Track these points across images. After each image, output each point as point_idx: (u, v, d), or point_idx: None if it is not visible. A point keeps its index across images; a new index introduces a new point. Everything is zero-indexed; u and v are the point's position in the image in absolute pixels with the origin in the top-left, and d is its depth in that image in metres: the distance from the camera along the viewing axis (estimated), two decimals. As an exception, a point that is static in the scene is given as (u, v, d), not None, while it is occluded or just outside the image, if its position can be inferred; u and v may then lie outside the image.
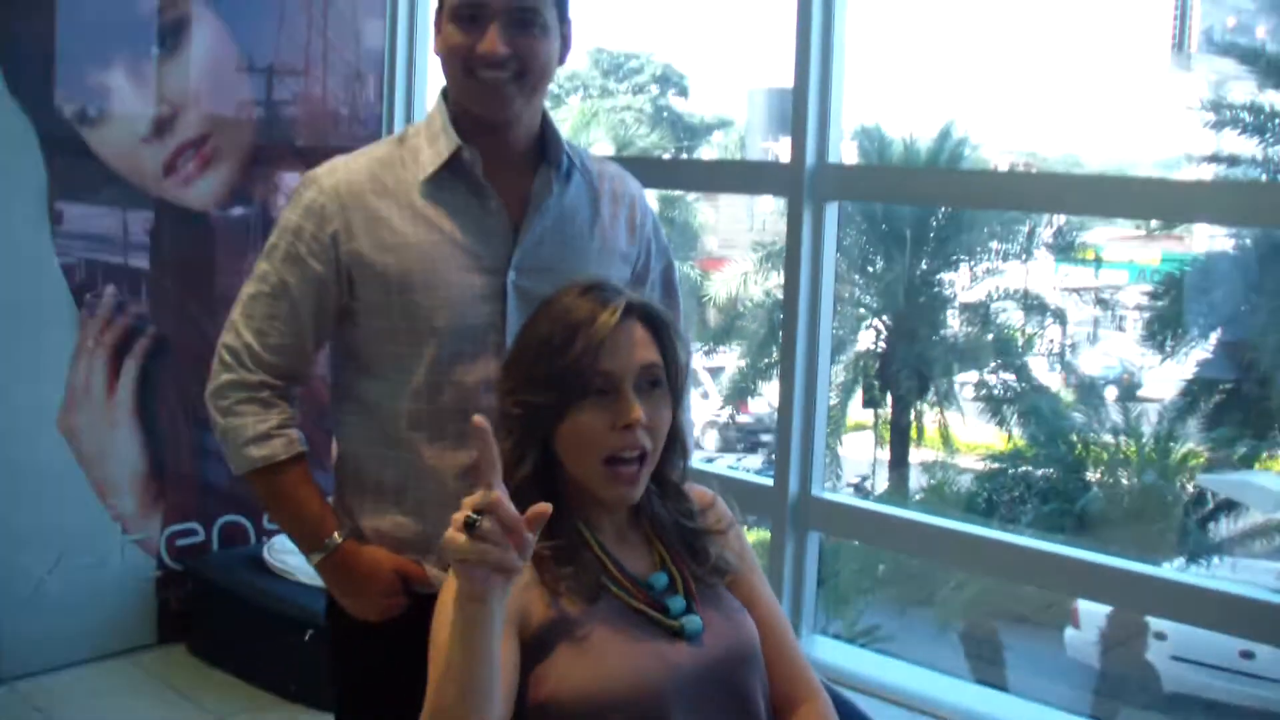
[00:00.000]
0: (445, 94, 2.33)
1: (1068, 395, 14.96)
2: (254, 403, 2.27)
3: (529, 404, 1.89)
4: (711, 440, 16.01)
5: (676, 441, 1.99)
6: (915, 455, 15.41)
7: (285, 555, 4.37)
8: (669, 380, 1.95)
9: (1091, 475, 13.21)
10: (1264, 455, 12.53)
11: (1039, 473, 13.62)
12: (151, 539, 4.50)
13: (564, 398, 1.87)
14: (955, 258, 15.44)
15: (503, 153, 2.28)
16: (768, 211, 17.52)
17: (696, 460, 2.16)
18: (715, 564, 1.98)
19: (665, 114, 23.85)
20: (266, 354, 2.26)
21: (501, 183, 2.27)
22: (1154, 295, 13.94)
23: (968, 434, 15.06)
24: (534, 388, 1.89)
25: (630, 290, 1.99)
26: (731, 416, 16.22)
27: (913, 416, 15.42)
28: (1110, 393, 14.96)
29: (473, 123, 2.27)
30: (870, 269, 15.56)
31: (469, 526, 1.56)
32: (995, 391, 14.71)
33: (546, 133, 2.33)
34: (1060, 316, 15.76)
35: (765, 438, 15.62)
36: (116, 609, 4.43)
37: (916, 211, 14.66)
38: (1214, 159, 12.89)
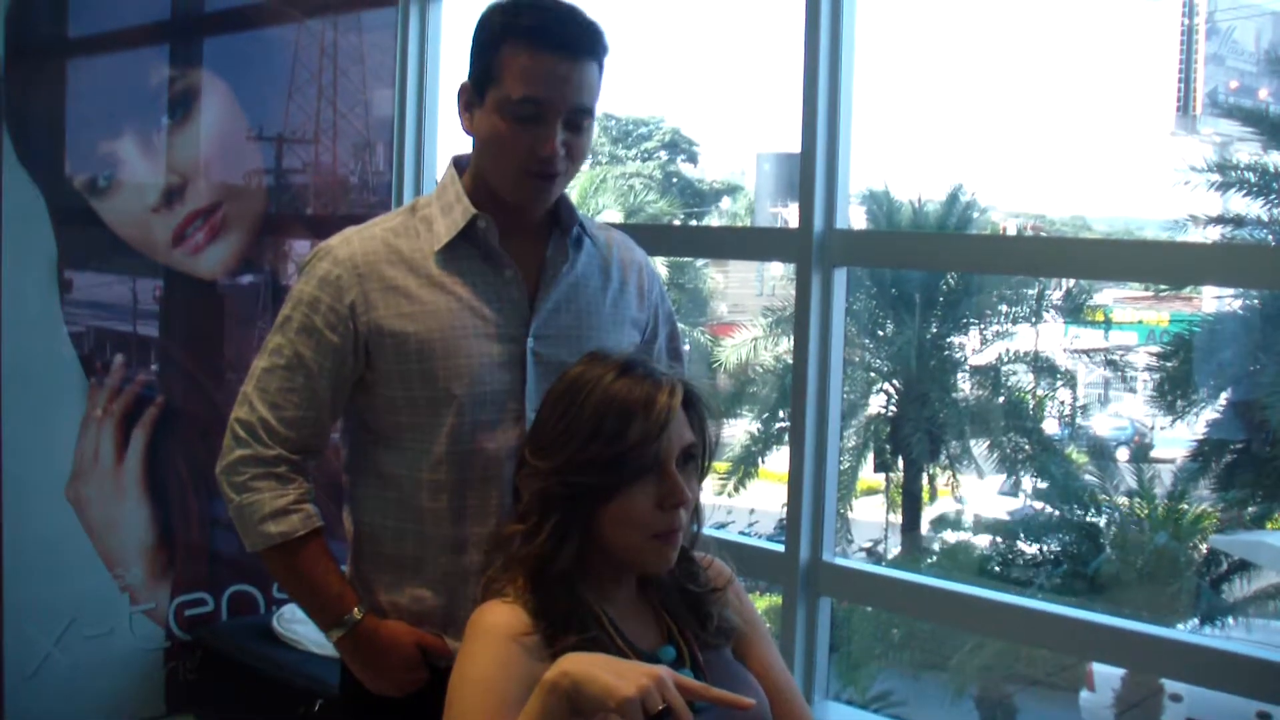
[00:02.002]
0: (457, 163, 2.33)
1: (1080, 457, 14.92)
2: (270, 478, 2.24)
3: (577, 485, 1.89)
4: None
5: (695, 510, 2.00)
6: (927, 519, 15.37)
7: (294, 625, 4.35)
8: (702, 453, 1.98)
9: (1104, 538, 13.16)
10: (1276, 515, 12.47)
11: (1051, 536, 13.56)
12: (160, 609, 4.48)
13: (618, 479, 1.87)
14: (965, 321, 15.43)
15: (517, 221, 2.28)
16: (777, 276, 17.54)
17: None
18: (720, 626, 1.99)
19: (674, 180, 23.94)
20: (282, 427, 2.24)
21: (515, 250, 2.27)
22: (1163, 356, 13.92)
23: (980, 497, 15.01)
24: (586, 470, 1.88)
25: (664, 366, 2.01)
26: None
27: (925, 480, 15.39)
28: (1122, 454, 14.92)
29: (488, 194, 2.27)
30: (880, 333, 15.55)
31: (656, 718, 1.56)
32: (1007, 454, 14.67)
33: (559, 200, 2.33)
34: (1070, 379, 15.74)
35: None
36: (125, 680, 4.41)
37: (925, 275, 14.67)
38: (1220, 220, 12.90)
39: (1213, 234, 12.86)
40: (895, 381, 15.45)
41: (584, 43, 2.17)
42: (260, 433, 2.24)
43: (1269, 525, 12.38)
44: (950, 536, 14.72)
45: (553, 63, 2.13)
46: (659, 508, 1.88)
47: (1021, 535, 13.59)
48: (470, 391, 2.21)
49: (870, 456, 15.42)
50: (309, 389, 2.24)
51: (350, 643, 2.28)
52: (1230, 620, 11.95)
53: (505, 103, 2.15)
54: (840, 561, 3.59)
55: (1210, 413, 13.23)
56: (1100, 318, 16.12)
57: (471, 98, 2.24)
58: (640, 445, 1.86)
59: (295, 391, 2.24)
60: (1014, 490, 14.72)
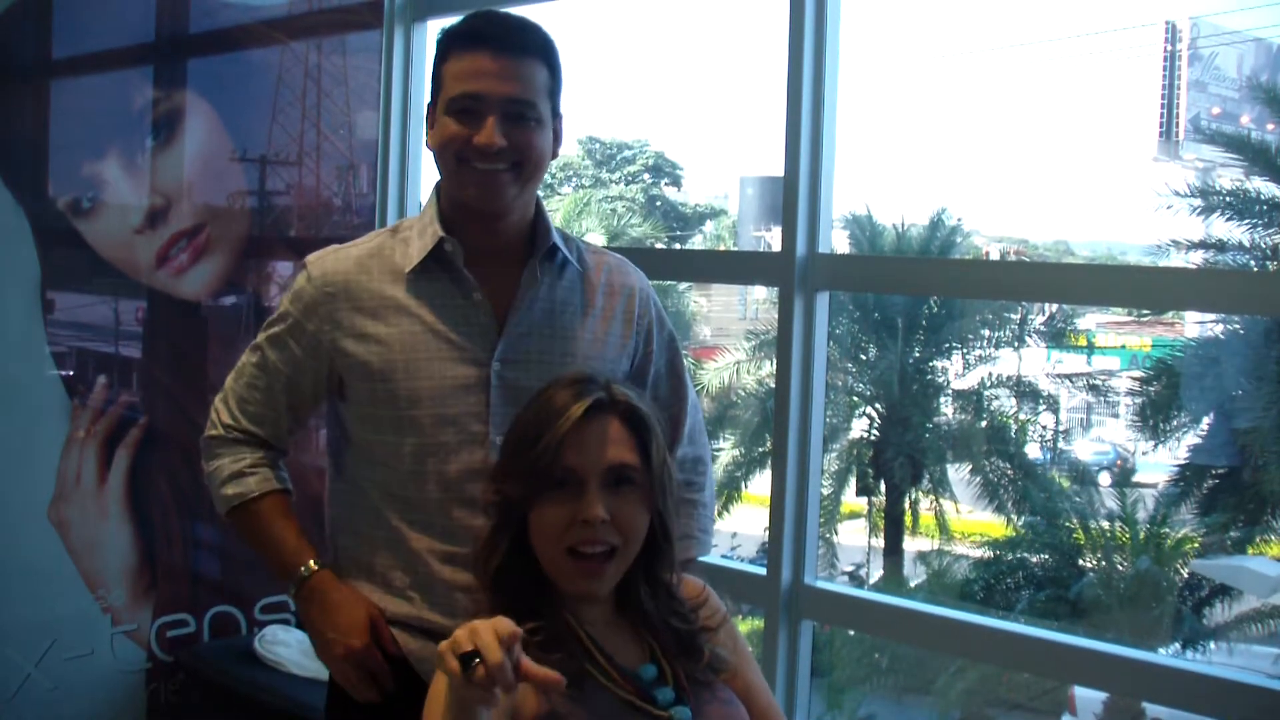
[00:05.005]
0: (438, 188, 2.36)
1: (1062, 482, 14.94)
2: (233, 444, 2.40)
3: (503, 493, 1.91)
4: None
5: (666, 540, 1.97)
6: (910, 543, 15.37)
7: (276, 646, 4.34)
8: (649, 478, 1.94)
9: (1086, 562, 13.17)
10: (1257, 540, 12.49)
11: (1034, 559, 13.57)
12: (142, 630, 4.46)
13: (531, 490, 1.89)
14: (948, 345, 15.46)
15: (493, 244, 2.31)
16: (760, 300, 17.56)
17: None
18: (710, 663, 1.97)
19: (658, 203, 23.97)
20: (244, 420, 2.40)
21: (490, 274, 2.30)
22: (1146, 381, 13.95)
23: (962, 521, 15.02)
24: (509, 478, 1.91)
25: (618, 385, 2.00)
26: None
27: (907, 504, 15.39)
28: (1104, 479, 14.94)
29: (464, 215, 2.29)
30: (863, 357, 15.58)
31: (465, 664, 1.55)
32: (990, 478, 14.68)
33: (538, 224, 2.36)
34: (1053, 403, 15.77)
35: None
36: (106, 701, 4.39)
37: (908, 299, 14.70)
38: (1202, 245, 12.95)
39: (1195, 259, 12.91)
40: (878, 405, 15.47)
41: (513, 39, 2.26)
42: (226, 418, 2.43)
43: (1250, 550, 12.40)
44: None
45: (483, 59, 2.23)
46: (571, 523, 1.88)
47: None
48: (432, 413, 2.24)
49: (853, 480, 15.43)
50: (269, 390, 2.39)
51: (304, 597, 2.33)
52: (1212, 644, 11.97)
53: (447, 104, 2.25)
54: (821, 585, 3.59)
55: (1192, 437, 13.26)
56: (1083, 342, 16.16)
57: (431, 113, 2.32)
58: (545, 454, 1.88)
59: (259, 390, 2.40)
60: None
